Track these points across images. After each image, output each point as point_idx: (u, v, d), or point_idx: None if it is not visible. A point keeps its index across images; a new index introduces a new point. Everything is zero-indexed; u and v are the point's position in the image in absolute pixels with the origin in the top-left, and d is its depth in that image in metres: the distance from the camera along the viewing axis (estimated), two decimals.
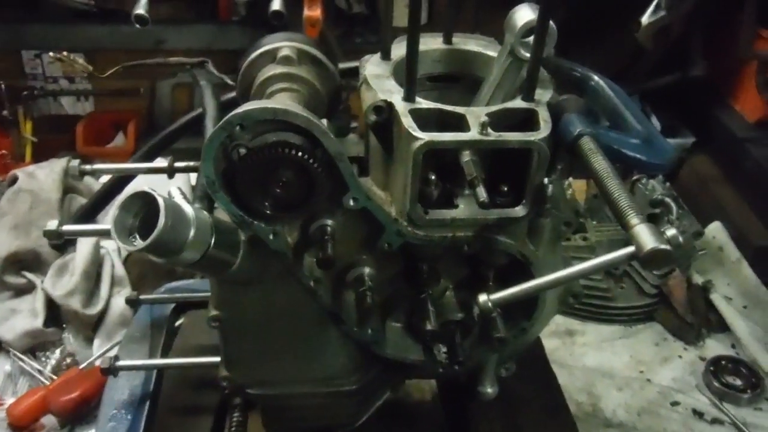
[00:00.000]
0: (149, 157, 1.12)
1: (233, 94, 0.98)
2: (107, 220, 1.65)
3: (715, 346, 1.84)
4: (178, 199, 0.83)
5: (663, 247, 0.59)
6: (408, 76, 0.76)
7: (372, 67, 0.87)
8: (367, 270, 0.87)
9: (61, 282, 1.63)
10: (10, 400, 1.52)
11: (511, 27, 0.80)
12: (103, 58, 1.71)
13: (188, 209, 0.71)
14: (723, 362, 1.74)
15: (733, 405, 1.65)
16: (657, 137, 0.80)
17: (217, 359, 0.98)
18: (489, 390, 1.03)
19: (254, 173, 0.73)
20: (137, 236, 0.69)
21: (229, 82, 1.04)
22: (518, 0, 0.82)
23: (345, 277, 0.88)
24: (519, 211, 0.80)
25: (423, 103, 0.78)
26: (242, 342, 0.94)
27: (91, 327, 1.65)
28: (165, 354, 1.26)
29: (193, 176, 1.92)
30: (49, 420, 1.49)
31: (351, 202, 0.79)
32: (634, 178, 1.94)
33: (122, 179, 1.19)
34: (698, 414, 1.63)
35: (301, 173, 0.74)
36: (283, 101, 0.79)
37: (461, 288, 0.93)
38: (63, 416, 1.47)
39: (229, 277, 0.81)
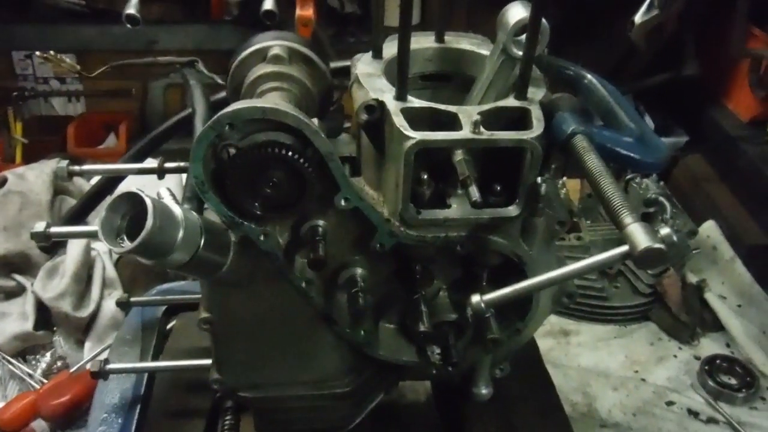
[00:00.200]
0: (139, 158, 1.11)
1: (223, 93, 0.97)
2: (96, 221, 1.63)
3: (709, 345, 1.84)
4: (167, 200, 0.82)
5: (657, 246, 0.59)
6: (400, 74, 0.76)
7: (363, 65, 0.86)
8: (359, 271, 0.86)
9: (52, 284, 1.61)
10: None
11: (504, 25, 0.79)
12: (94, 58, 1.69)
13: (177, 210, 0.70)
14: (718, 361, 1.74)
15: (728, 404, 1.65)
16: (651, 136, 0.80)
17: (209, 362, 0.97)
18: (483, 391, 1.02)
19: (244, 173, 0.72)
20: (125, 238, 0.69)
21: (220, 81, 1.03)
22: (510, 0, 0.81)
23: (337, 278, 0.87)
24: (512, 210, 0.79)
25: (415, 101, 0.77)
26: (234, 344, 0.93)
27: (81, 330, 1.64)
28: (156, 357, 1.25)
29: (185, 177, 1.92)
30: (39, 425, 1.47)
31: (342, 203, 0.78)
32: (628, 177, 1.94)
33: (112, 180, 1.17)
34: (693, 413, 1.63)
35: (292, 173, 0.73)
36: (274, 100, 0.78)
37: (455, 288, 0.92)
38: (53, 420, 1.45)
39: (219, 278, 0.80)
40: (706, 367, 1.72)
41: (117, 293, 1.67)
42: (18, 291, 1.67)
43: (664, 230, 0.60)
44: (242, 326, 0.91)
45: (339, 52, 1.00)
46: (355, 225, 0.82)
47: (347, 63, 0.93)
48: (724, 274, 1.94)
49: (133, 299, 1.27)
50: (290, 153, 0.71)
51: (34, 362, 1.62)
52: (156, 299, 1.35)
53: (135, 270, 1.73)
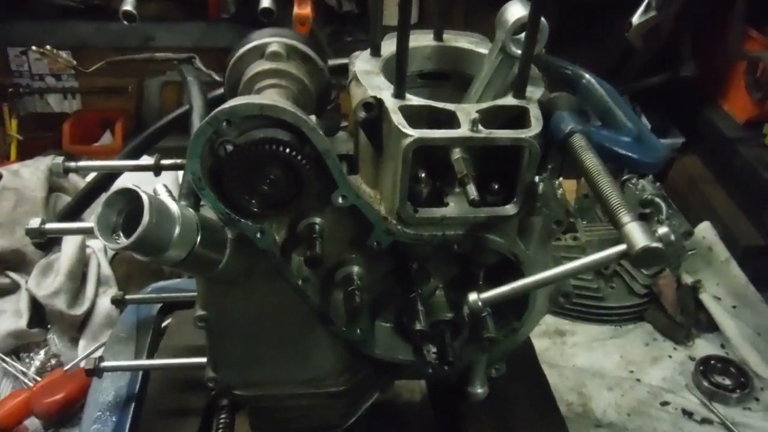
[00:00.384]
0: (135, 155, 1.10)
1: (221, 90, 0.97)
2: (92, 218, 1.63)
3: (704, 346, 1.84)
4: (164, 196, 0.82)
5: (655, 245, 0.59)
6: (398, 72, 0.75)
7: (361, 63, 0.86)
8: (356, 269, 0.86)
9: (46, 282, 1.60)
10: None
11: (503, 23, 0.79)
12: (91, 55, 1.68)
13: (173, 207, 0.69)
14: (712, 362, 1.75)
15: (722, 405, 1.65)
16: (648, 136, 0.80)
17: (204, 360, 0.97)
18: (479, 390, 1.02)
19: (241, 170, 0.72)
20: (121, 234, 0.68)
21: (217, 78, 1.02)
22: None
23: (334, 277, 0.87)
24: (509, 209, 0.79)
25: (413, 99, 0.77)
26: (229, 342, 0.92)
27: (76, 328, 1.63)
28: (151, 355, 1.24)
29: (180, 174, 1.91)
30: (32, 423, 1.46)
31: (340, 200, 0.78)
32: (624, 177, 1.95)
33: (108, 177, 1.16)
34: (688, 414, 1.64)
35: (289, 170, 0.73)
36: (271, 97, 0.78)
37: (451, 287, 0.92)
38: (47, 419, 1.45)
39: (215, 276, 0.79)
40: (701, 368, 1.73)
41: (112, 291, 1.66)
42: (12, 288, 1.66)
43: (662, 229, 0.60)
44: (238, 324, 0.90)
45: (336, 51, 1.00)
46: (352, 223, 0.82)
47: (345, 61, 0.93)
48: (719, 275, 1.95)
49: (128, 297, 1.26)
50: (288, 150, 0.71)
51: (27, 360, 1.61)
52: (151, 297, 1.34)
53: (130, 268, 1.73)
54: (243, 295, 0.87)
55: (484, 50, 0.89)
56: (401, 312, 0.92)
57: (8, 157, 2.45)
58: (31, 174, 1.74)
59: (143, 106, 2.70)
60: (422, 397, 1.33)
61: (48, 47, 1.42)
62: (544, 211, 0.83)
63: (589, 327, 1.90)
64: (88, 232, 0.90)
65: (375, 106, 0.77)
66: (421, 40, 0.92)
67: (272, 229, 0.80)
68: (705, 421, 1.62)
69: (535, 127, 0.75)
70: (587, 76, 0.89)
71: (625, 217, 0.62)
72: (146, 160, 1.08)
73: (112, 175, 1.18)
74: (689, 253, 1.95)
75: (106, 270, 1.69)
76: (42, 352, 1.62)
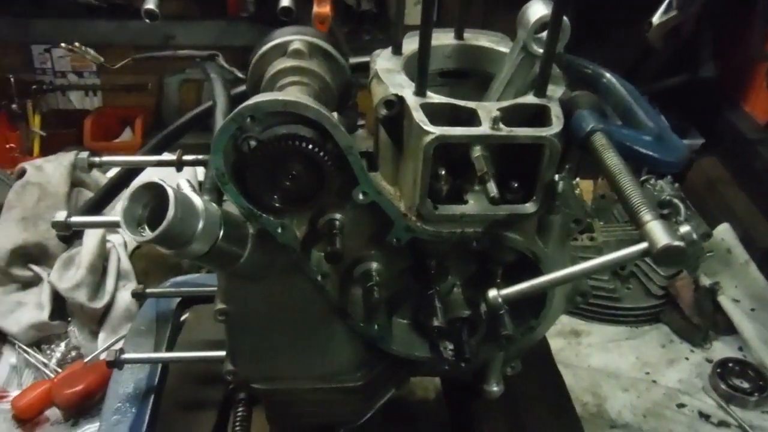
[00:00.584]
0: (158, 150, 1.12)
1: (243, 87, 0.98)
2: (115, 212, 1.65)
3: (722, 349, 1.82)
4: (188, 191, 0.83)
5: (677, 243, 0.59)
6: (420, 70, 0.76)
7: (383, 61, 0.86)
8: (374, 265, 0.87)
9: (67, 275, 1.63)
10: (14, 393, 1.52)
11: (524, 22, 0.79)
12: (112, 53, 1.70)
13: (198, 201, 0.70)
14: (730, 364, 1.73)
15: (739, 408, 1.64)
16: (669, 135, 0.80)
17: (222, 354, 0.98)
18: (494, 388, 1.03)
19: (264, 166, 0.73)
20: (146, 227, 0.69)
21: (240, 75, 1.03)
22: None
23: (352, 272, 0.88)
24: (529, 207, 0.80)
25: (434, 97, 0.77)
26: (248, 336, 0.94)
27: (96, 320, 1.65)
28: (170, 348, 1.26)
29: (200, 171, 1.93)
30: (53, 413, 1.49)
31: (360, 196, 0.79)
32: (643, 178, 1.93)
33: (130, 172, 1.18)
34: (704, 416, 1.62)
35: (311, 166, 0.73)
36: (294, 94, 0.79)
37: (469, 285, 0.92)
38: (67, 409, 1.47)
39: (236, 270, 0.81)
40: (718, 370, 1.71)
41: (131, 285, 1.68)
42: (34, 281, 1.69)
43: (684, 228, 0.60)
44: (257, 318, 0.92)
45: (354, 50, 1.01)
46: (372, 219, 0.82)
47: (366, 59, 0.94)
48: (737, 278, 1.93)
49: (148, 290, 1.28)
50: (310, 146, 0.72)
51: (49, 352, 1.64)
52: (170, 291, 1.36)
53: (149, 262, 1.75)
54: (262, 289, 0.88)
55: (504, 49, 0.89)
56: (418, 308, 0.93)
57: (31, 153, 2.49)
58: (54, 169, 1.76)
59: (163, 103, 2.73)
60: (436, 395, 1.33)
61: (77, 44, 1.45)
62: (563, 210, 0.83)
63: (604, 327, 1.89)
64: (112, 226, 0.92)
65: (396, 104, 0.77)
66: (442, 38, 0.92)
67: (293, 225, 0.81)
68: (722, 423, 1.61)
69: (556, 125, 0.75)
70: (608, 75, 0.89)
71: (647, 216, 0.62)
72: (168, 156, 1.10)
73: (134, 170, 1.20)
74: (707, 254, 1.93)
75: (126, 264, 1.71)
76: (63, 344, 1.64)
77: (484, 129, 0.74)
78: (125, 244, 1.76)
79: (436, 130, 0.73)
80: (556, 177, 0.78)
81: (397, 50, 0.88)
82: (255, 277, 0.86)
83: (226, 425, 1.11)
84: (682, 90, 2.34)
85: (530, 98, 0.79)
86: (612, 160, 0.69)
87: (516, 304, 0.78)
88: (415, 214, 0.79)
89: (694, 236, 0.59)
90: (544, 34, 0.77)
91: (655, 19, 1.99)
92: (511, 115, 0.75)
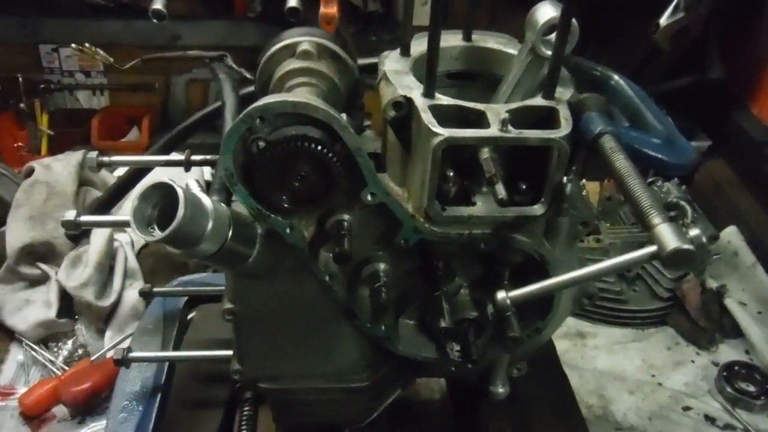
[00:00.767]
0: (167, 150, 1.13)
1: (252, 88, 0.98)
2: (122, 211, 1.66)
3: (728, 352, 1.82)
4: (197, 191, 0.84)
5: (686, 246, 0.59)
6: (428, 72, 0.76)
7: (391, 63, 0.87)
8: (382, 266, 0.87)
9: (75, 273, 1.63)
10: (22, 390, 1.53)
11: (533, 24, 0.79)
12: (119, 53, 1.71)
13: (207, 201, 0.71)
14: (736, 368, 1.72)
15: (745, 411, 1.63)
16: (678, 137, 0.80)
17: (228, 353, 0.99)
18: (500, 390, 1.03)
19: (273, 166, 0.73)
20: (156, 227, 0.70)
21: (248, 76, 1.04)
22: (534, 0, 0.81)
23: (360, 273, 0.88)
24: (537, 209, 0.80)
25: (443, 99, 0.78)
26: (255, 336, 0.94)
27: (103, 319, 1.66)
28: (177, 347, 1.27)
29: (207, 170, 1.94)
30: (60, 410, 1.49)
31: (369, 197, 0.79)
32: (649, 180, 1.93)
33: (138, 172, 1.19)
34: (710, 419, 1.62)
35: (320, 167, 0.74)
36: (303, 95, 0.79)
37: (476, 286, 0.92)
38: (74, 407, 1.48)
39: (244, 270, 0.81)
40: (725, 374, 1.70)
41: (138, 284, 1.69)
42: (42, 279, 1.70)
43: (693, 231, 0.60)
44: (264, 318, 0.92)
45: (361, 51, 1.01)
46: (380, 220, 0.83)
47: (373, 60, 0.94)
48: (744, 281, 1.92)
49: (155, 289, 1.29)
50: (319, 147, 0.72)
51: (56, 349, 1.64)
52: (177, 290, 1.37)
53: (156, 261, 1.76)
54: (270, 289, 0.89)
55: (512, 51, 0.89)
56: (425, 309, 0.93)
57: (39, 152, 2.50)
58: (63, 168, 1.77)
59: (169, 102, 2.74)
60: (442, 395, 1.34)
61: (87, 45, 1.46)
62: (571, 212, 0.83)
63: (610, 330, 1.88)
64: (120, 225, 0.93)
65: (405, 105, 0.78)
66: (450, 40, 0.92)
67: (301, 225, 0.81)
68: (728, 427, 1.60)
69: (565, 127, 0.75)
70: (616, 77, 0.89)
71: (656, 219, 0.62)
72: (176, 155, 1.10)
73: (142, 171, 1.21)
74: (714, 257, 1.93)
75: (133, 263, 1.72)
76: (70, 342, 1.65)
77: (493, 131, 0.74)
78: (132, 243, 1.76)
79: (445, 132, 0.73)
80: (565, 179, 0.78)
81: (405, 51, 0.88)
82: (263, 277, 0.86)
83: (232, 424, 1.11)
84: (689, 92, 2.33)
85: (539, 100, 0.79)
86: (621, 162, 0.69)
87: (523, 305, 0.78)
88: (423, 216, 0.80)
89: (703, 239, 0.59)
90: (553, 36, 0.77)
91: (663, 20, 1.98)
92: (520, 117, 0.75)
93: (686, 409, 1.65)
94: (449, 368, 0.92)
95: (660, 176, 1.93)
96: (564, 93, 0.80)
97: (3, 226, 1.70)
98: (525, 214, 0.80)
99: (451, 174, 0.78)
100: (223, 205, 0.74)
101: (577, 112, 0.78)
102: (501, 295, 0.71)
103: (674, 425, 1.60)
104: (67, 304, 1.65)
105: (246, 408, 1.08)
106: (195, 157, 1.05)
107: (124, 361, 1.12)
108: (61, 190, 1.73)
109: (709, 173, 2.27)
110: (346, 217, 0.81)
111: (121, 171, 1.81)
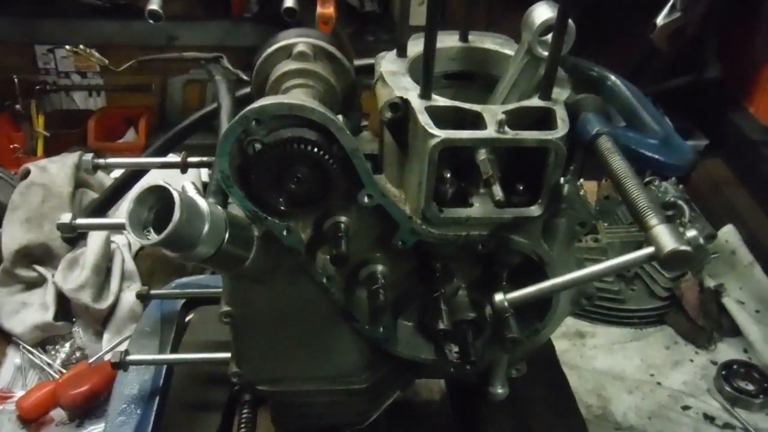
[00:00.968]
0: (163, 152, 1.12)
1: (247, 89, 0.98)
2: (118, 214, 1.65)
3: (727, 350, 1.82)
4: (192, 193, 0.83)
5: (684, 248, 0.58)
6: (425, 73, 0.76)
7: (387, 63, 0.86)
8: (380, 268, 0.86)
9: (72, 276, 1.63)
10: (19, 393, 1.52)
11: (529, 25, 0.79)
12: (115, 53, 1.71)
13: (203, 204, 0.71)
14: (735, 367, 1.73)
15: (744, 410, 1.64)
16: (675, 138, 0.79)
17: (227, 355, 0.98)
18: (499, 390, 1.02)
19: (269, 169, 0.73)
20: (152, 230, 0.69)
21: (244, 77, 1.03)
22: (531, 0, 0.81)
23: (358, 275, 0.87)
24: (534, 210, 0.79)
25: (440, 100, 0.77)
26: (254, 338, 0.94)
27: (100, 321, 1.66)
28: (175, 350, 1.26)
29: (204, 172, 1.93)
30: (58, 413, 1.49)
31: (366, 199, 0.78)
32: (647, 180, 1.93)
33: (134, 174, 1.19)
34: (709, 418, 1.62)
35: (316, 169, 0.74)
36: (299, 97, 0.79)
37: (474, 287, 0.92)
38: (72, 410, 1.48)
39: (241, 272, 0.81)
40: (723, 372, 1.71)
41: (135, 286, 1.69)
42: (39, 282, 1.69)
43: (691, 232, 0.60)
44: (262, 320, 0.92)
45: (358, 51, 1.01)
46: (377, 222, 0.82)
47: (370, 61, 0.93)
48: (742, 279, 1.93)
49: (152, 292, 1.28)
50: (315, 149, 0.72)
51: (53, 352, 1.64)
52: (175, 293, 1.36)
53: (153, 263, 1.75)
54: (267, 291, 0.88)
55: (509, 51, 0.89)
56: (424, 311, 0.92)
57: (35, 153, 2.49)
58: (59, 170, 1.77)
59: (166, 103, 2.73)
60: (441, 396, 1.33)
61: (81, 46, 1.45)
62: (568, 213, 0.82)
63: (609, 329, 1.88)
64: (116, 228, 0.92)
65: (401, 107, 0.77)
66: (447, 41, 0.92)
67: (298, 227, 0.81)
68: (727, 426, 1.61)
69: (562, 128, 0.75)
70: (613, 77, 0.89)
71: (653, 220, 0.62)
72: (172, 157, 1.10)
73: (139, 172, 1.21)
74: (712, 256, 1.93)
75: (130, 265, 1.72)
76: (67, 345, 1.64)
77: (490, 132, 0.73)
78: (129, 245, 1.76)
79: (442, 134, 0.73)
80: (562, 180, 0.78)
81: (402, 52, 0.88)
82: (260, 279, 0.86)
83: (231, 427, 1.11)
84: (686, 91, 2.34)
85: (535, 101, 0.79)
86: (618, 163, 0.69)
87: (521, 307, 0.78)
88: (421, 217, 0.79)
89: (701, 240, 0.59)
90: (549, 36, 0.77)
91: (659, 20, 1.98)
92: (517, 118, 0.75)
93: (685, 408, 1.65)
94: (448, 369, 0.92)
95: (657, 175, 1.94)
96: (561, 94, 0.80)
97: None
98: (522, 215, 0.79)
99: (448, 175, 0.78)
100: (219, 207, 0.74)
101: (574, 113, 0.78)
102: (499, 297, 0.71)
103: (673, 424, 1.60)
104: (65, 306, 1.65)
105: (245, 410, 1.08)
106: (191, 159, 1.05)
107: (121, 365, 1.11)
108: (58, 192, 1.73)
109: (707, 172, 2.28)
110: (343, 218, 0.81)
111: (118, 173, 1.81)
